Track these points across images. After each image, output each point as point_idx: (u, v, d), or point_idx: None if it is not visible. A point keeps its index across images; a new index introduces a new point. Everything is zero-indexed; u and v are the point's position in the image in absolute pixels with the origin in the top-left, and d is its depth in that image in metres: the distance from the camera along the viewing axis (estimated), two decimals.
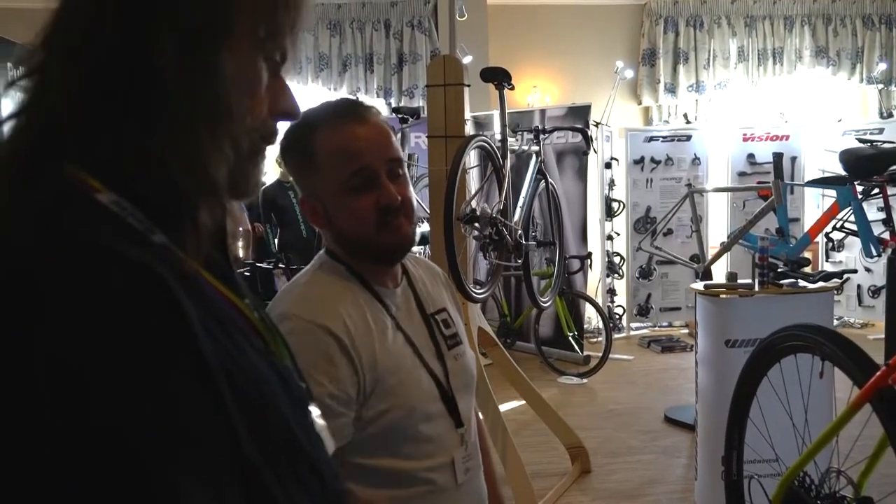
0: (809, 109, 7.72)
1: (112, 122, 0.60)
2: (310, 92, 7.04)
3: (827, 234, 6.62)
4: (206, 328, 0.58)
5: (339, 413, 1.21)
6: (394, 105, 6.84)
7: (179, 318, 0.56)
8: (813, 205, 7.02)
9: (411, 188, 1.35)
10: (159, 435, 0.52)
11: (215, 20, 0.63)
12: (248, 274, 5.08)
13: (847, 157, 4.07)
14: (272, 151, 0.75)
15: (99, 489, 0.50)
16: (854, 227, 5.24)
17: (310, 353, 1.18)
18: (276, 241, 5.89)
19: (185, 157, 0.62)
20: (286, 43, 0.69)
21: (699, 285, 3.66)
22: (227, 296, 0.67)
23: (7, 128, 0.63)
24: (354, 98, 1.54)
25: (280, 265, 5.28)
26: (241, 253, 5.47)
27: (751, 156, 7.04)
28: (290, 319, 1.21)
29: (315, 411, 0.75)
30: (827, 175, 5.34)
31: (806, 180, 6.35)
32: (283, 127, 0.74)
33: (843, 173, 4.33)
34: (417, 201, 4.42)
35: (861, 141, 5.48)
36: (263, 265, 5.55)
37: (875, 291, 6.83)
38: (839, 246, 6.97)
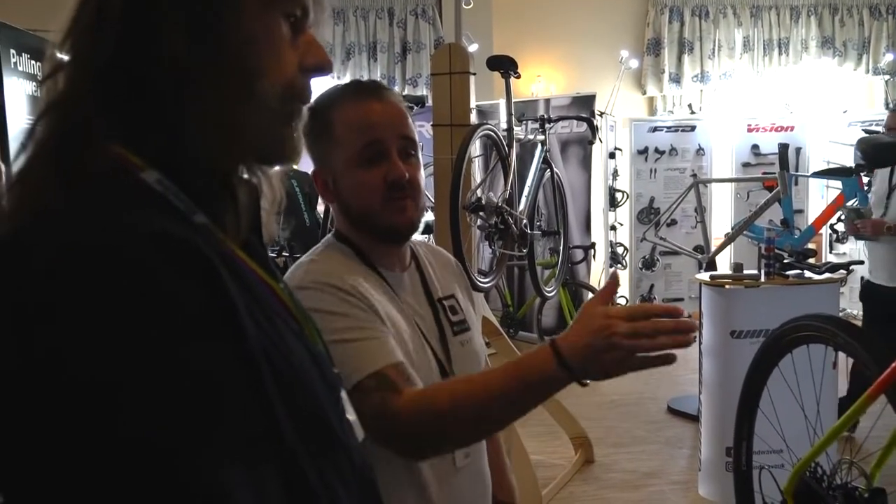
0: (815, 100, 7.68)
1: (140, 104, 0.61)
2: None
3: (831, 226, 6.62)
4: (248, 310, 0.58)
5: (384, 331, 1.21)
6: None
7: (224, 299, 0.56)
8: (817, 196, 7.00)
9: (422, 173, 1.35)
10: (200, 418, 0.52)
11: None
12: None
13: (864, 146, 4.04)
14: None
15: (135, 479, 0.49)
16: None
17: (330, 305, 1.19)
18: (280, 229, 5.88)
19: (215, 127, 0.62)
20: None
21: (705, 276, 3.65)
22: (264, 278, 0.67)
23: (44, 121, 0.63)
24: (377, 80, 1.58)
25: (284, 253, 5.27)
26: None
27: (755, 147, 7.02)
28: (305, 289, 1.21)
29: (345, 398, 0.75)
30: (832, 166, 5.32)
31: (811, 171, 6.32)
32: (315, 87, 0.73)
33: (849, 164, 4.32)
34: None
35: (867, 132, 5.46)
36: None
37: None
38: (843, 237, 6.95)
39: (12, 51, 4.18)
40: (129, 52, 0.60)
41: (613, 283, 1.11)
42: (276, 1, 0.66)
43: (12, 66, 4.19)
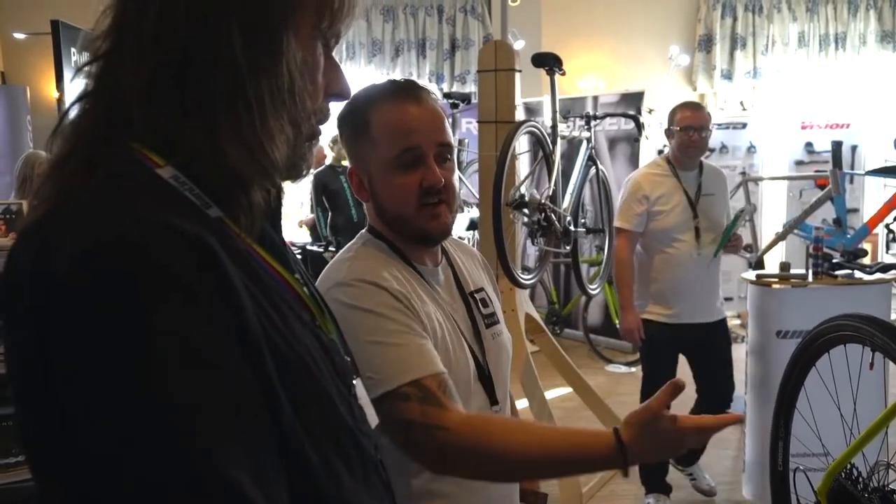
0: (873, 97, 7.47)
1: (180, 107, 0.64)
2: (363, 76, 7.10)
3: (887, 226, 6.45)
4: (252, 296, 0.61)
5: (425, 338, 1.24)
6: (445, 90, 6.84)
7: (226, 284, 0.59)
8: (874, 195, 6.82)
9: (457, 176, 1.37)
10: (197, 394, 0.55)
11: (282, 10, 0.66)
12: (299, 256, 5.16)
13: None
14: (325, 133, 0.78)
15: (134, 450, 0.53)
16: None
17: (372, 303, 1.23)
18: (328, 224, 5.96)
19: (247, 142, 0.65)
20: (341, 28, 0.72)
21: (751, 275, 3.60)
22: (278, 270, 0.70)
23: (75, 110, 0.67)
24: (414, 80, 1.58)
25: (330, 248, 5.36)
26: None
27: (809, 144, 6.88)
28: (348, 286, 1.25)
29: (359, 385, 0.78)
30: (889, 164, 5.19)
31: (866, 170, 6.18)
32: (335, 107, 0.77)
33: None
34: (467, 187, 4.37)
35: None
36: (314, 248, 5.64)
37: None
38: None
39: (73, 49, 4.34)
40: (185, 57, 0.63)
41: (675, 389, 1.14)
42: (321, 29, 0.70)
43: (73, 64, 4.35)
